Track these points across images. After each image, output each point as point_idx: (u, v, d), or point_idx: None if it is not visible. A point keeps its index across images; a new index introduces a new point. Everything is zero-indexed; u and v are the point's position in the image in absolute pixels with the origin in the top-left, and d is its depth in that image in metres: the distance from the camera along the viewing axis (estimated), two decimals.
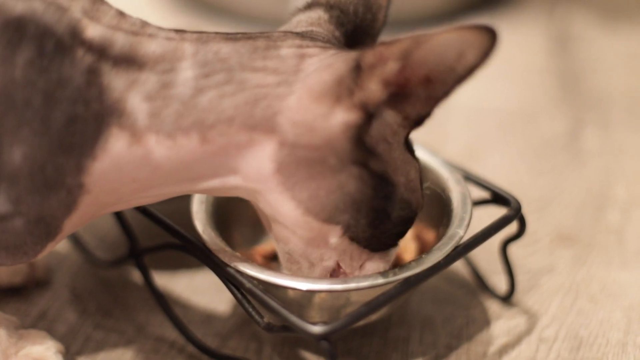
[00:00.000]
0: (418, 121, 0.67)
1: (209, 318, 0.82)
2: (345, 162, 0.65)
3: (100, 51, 0.64)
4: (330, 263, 0.70)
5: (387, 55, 0.62)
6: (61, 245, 0.90)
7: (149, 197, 0.69)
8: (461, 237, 0.73)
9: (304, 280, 0.70)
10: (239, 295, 0.71)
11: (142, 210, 0.76)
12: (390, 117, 0.66)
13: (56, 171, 0.64)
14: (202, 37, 0.67)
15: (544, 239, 0.93)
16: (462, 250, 0.72)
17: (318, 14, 0.72)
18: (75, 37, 0.64)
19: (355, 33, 0.72)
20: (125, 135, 0.64)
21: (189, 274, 0.87)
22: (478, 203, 0.80)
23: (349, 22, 0.72)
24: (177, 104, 0.64)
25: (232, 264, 0.70)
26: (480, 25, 0.60)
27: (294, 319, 0.66)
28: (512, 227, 0.78)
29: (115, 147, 0.64)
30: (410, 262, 0.71)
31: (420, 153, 0.82)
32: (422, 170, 0.71)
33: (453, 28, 0.61)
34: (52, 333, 0.78)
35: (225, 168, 0.66)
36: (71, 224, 0.68)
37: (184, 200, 0.82)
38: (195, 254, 0.73)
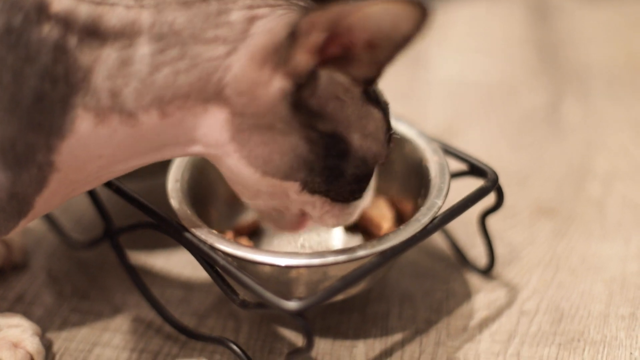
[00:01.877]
0: (369, 82, 0.67)
1: (186, 297, 0.82)
2: (292, 125, 0.65)
3: (66, 25, 0.63)
4: (295, 211, 0.71)
5: (317, 24, 0.62)
6: (37, 228, 0.89)
7: (116, 172, 0.69)
8: (439, 208, 0.72)
9: (282, 256, 0.69)
10: (214, 273, 0.70)
11: (116, 189, 0.75)
12: (339, 77, 0.66)
13: (27, 148, 0.64)
14: (159, 3, 0.66)
15: (524, 211, 0.92)
16: (440, 222, 0.72)
17: None
18: (41, 11, 0.63)
19: None
20: (90, 116, 0.64)
21: (165, 253, 0.87)
22: (455, 175, 0.79)
23: None
24: (135, 82, 0.64)
25: (206, 241, 0.70)
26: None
27: (268, 295, 0.65)
28: (491, 199, 0.77)
29: (81, 128, 0.64)
30: (387, 234, 0.70)
31: (396, 124, 0.82)
32: (387, 118, 0.71)
33: (381, 1, 0.61)
34: (29, 316, 0.77)
35: (186, 137, 0.66)
36: (42, 202, 0.67)
37: (159, 179, 0.81)
38: (169, 232, 0.72)
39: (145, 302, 0.79)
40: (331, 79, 0.65)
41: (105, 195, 0.80)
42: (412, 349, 0.76)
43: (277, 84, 0.64)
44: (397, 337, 0.77)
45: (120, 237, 0.78)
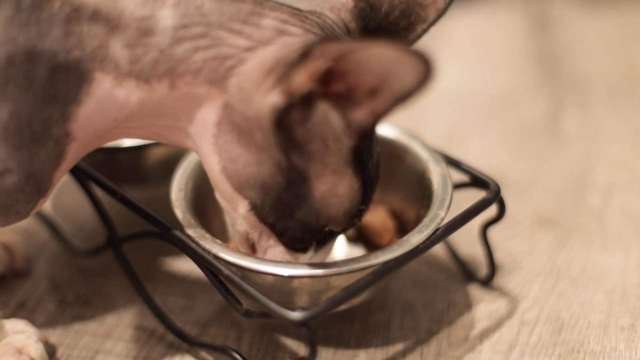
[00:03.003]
0: (361, 134, 0.66)
1: (188, 306, 0.82)
2: (269, 142, 0.66)
3: (77, 1, 0.64)
4: (242, 229, 0.71)
5: (326, 53, 0.61)
6: (40, 235, 0.90)
7: (122, 133, 0.70)
8: (442, 219, 0.73)
9: (285, 266, 0.69)
10: (217, 283, 0.71)
11: (121, 198, 0.75)
12: (334, 119, 0.65)
13: (43, 124, 0.65)
14: None
15: (524, 222, 0.93)
16: (442, 233, 0.72)
17: (342, 2, 0.71)
18: None
19: (380, 32, 0.71)
20: (109, 79, 0.65)
21: (168, 261, 0.87)
22: (458, 186, 0.80)
23: (373, 20, 0.71)
24: (155, 52, 0.65)
25: (210, 251, 0.70)
26: (416, 50, 0.59)
27: (272, 305, 0.66)
28: (492, 210, 0.78)
29: (99, 90, 0.65)
30: (391, 245, 0.70)
31: (400, 135, 0.82)
32: (367, 192, 0.70)
33: (391, 44, 0.60)
34: (31, 323, 0.77)
35: (183, 111, 0.67)
36: (59, 176, 0.69)
37: (163, 188, 0.81)
38: (173, 241, 0.72)
39: (147, 310, 0.80)
40: (326, 118, 0.65)
41: (108, 203, 0.80)
42: (413, 358, 0.77)
43: (272, 98, 0.64)
44: (399, 347, 0.78)
45: (123, 245, 0.79)
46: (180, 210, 0.75)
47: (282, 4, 0.69)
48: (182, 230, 0.73)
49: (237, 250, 0.71)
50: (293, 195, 0.67)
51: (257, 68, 0.65)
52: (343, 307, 0.73)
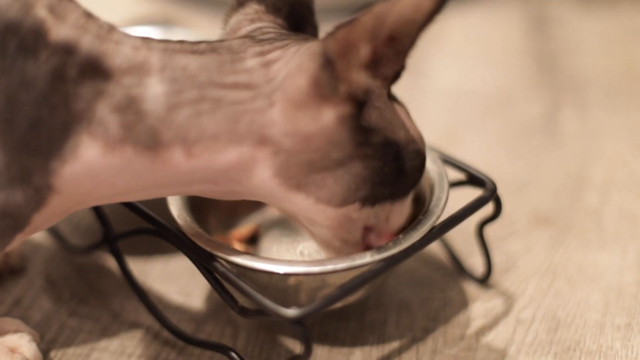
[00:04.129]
0: (395, 77, 0.67)
1: (184, 303, 0.82)
2: (347, 149, 0.65)
3: (65, 55, 0.62)
4: (357, 234, 0.70)
5: (355, 40, 0.61)
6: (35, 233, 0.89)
7: (134, 197, 0.68)
8: (438, 217, 0.73)
9: (281, 264, 0.69)
10: (213, 280, 0.71)
11: None
12: (369, 84, 0.65)
13: (21, 170, 0.63)
14: (168, 48, 0.65)
15: (521, 220, 0.93)
16: (438, 231, 0.72)
17: (253, 8, 0.71)
18: (39, 38, 0.62)
19: (293, 12, 0.71)
20: (98, 144, 0.63)
21: (163, 259, 0.87)
22: (454, 185, 0.80)
23: (284, 5, 0.71)
24: (151, 119, 0.63)
25: (205, 248, 0.70)
26: None
27: (267, 302, 0.65)
28: (489, 209, 0.78)
29: (87, 154, 0.63)
30: (386, 243, 0.70)
31: None
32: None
33: None
34: (26, 321, 0.77)
35: (220, 176, 0.65)
36: (42, 219, 0.66)
37: None
38: (168, 238, 0.72)
39: (143, 308, 0.80)
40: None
41: None
42: (409, 356, 0.77)
43: (331, 114, 0.63)
44: (394, 344, 0.78)
45: (118, 242, 0.79)
46: (176, 207, 0.75)
47: (242, 39, 0.68)
48: (177, 227, 0.72)
49: (232, 248, 0.71)
50: (393, 160, 0.66)
51: (289, 108, 0.63)
52: (339, 304, 0.73)
